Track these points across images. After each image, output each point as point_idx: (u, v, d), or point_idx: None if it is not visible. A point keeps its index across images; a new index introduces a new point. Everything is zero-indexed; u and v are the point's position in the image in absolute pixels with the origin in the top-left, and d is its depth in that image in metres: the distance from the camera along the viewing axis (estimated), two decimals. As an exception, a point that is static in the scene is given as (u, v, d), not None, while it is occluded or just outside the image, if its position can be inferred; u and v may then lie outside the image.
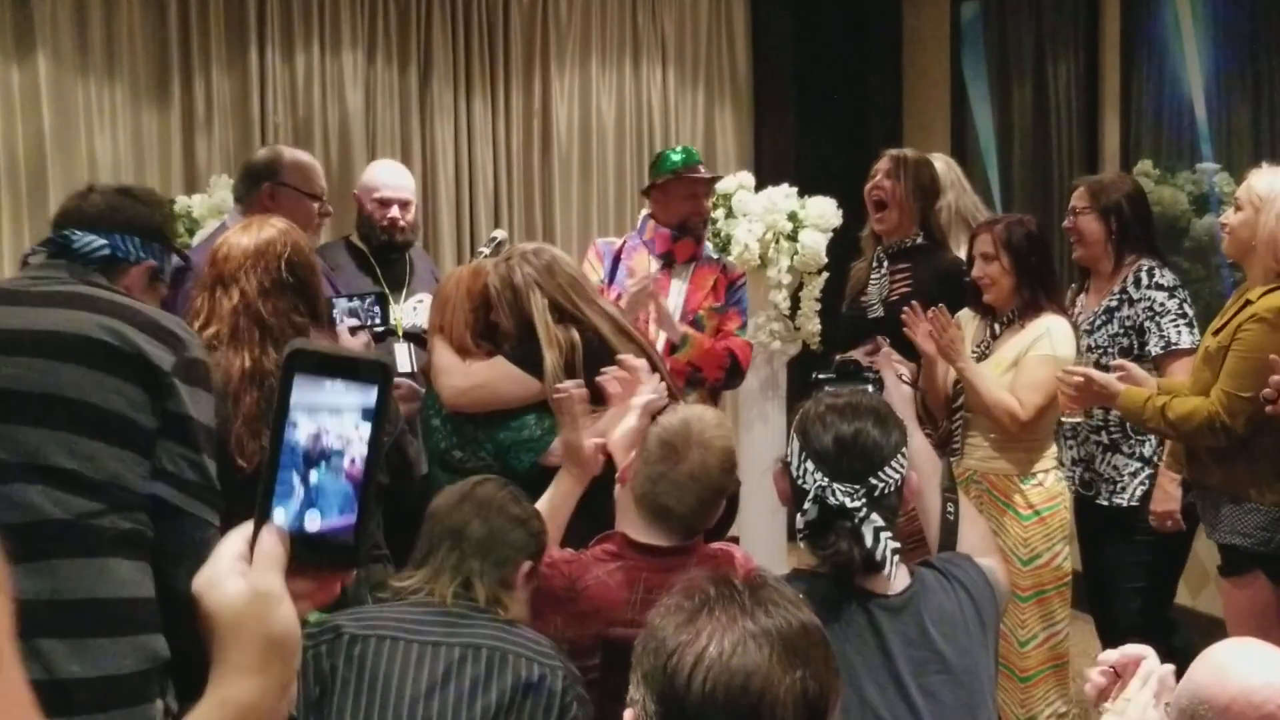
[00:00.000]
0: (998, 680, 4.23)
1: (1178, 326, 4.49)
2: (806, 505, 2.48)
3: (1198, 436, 4.00)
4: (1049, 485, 4.45)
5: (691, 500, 3.13)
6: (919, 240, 4.84)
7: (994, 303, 4.50)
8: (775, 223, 6.07)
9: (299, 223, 4.32)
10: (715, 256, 5.32)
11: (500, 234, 5.36)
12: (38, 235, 6.76)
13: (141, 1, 7.02)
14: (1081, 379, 4.13)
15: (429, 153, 7.54)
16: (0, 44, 6.77)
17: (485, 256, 4.89)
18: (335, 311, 4.22)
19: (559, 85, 7.79)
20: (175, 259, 2.96)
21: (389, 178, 5.03)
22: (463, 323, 4.07)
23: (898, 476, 2.53)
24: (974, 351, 4.53)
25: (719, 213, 5.98)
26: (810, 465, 2.51)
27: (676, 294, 5.14)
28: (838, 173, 5.68)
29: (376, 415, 1.30)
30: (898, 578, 2.52)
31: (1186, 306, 4.53)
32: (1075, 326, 4.53)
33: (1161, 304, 4.50)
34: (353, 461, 1.30)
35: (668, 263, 5.11)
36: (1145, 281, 4.54)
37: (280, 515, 1.28)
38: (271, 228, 3.42)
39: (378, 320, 4.20)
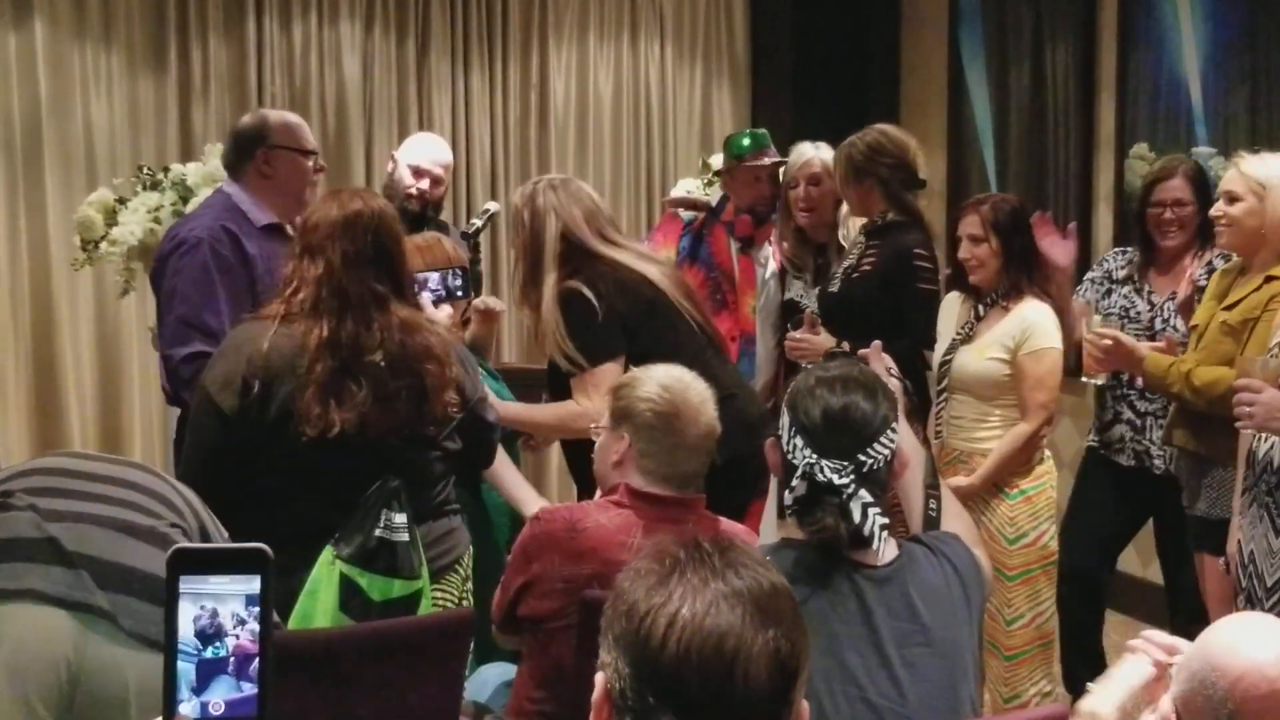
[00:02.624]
0: (982, 659, 4.29)
1: None
2: (795, 482, 2.50)
3: (1221, 404, 3.95)
4: (1036, 466, 4.47)
5: (703, 456, 3.25)
6: (889, 217, 4.80)
7: (980, 284, 4.51)
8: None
9: (297, 181, 4.33)
10: None
11: (494, 206, 5.38)
12: (33, 203, 6.83)
13: (139, -32, 7.02)
14: (1110, 342, 4.15)
15: (426, 124, 7.51)
16: (-3, 9, 6.76)
17: (478, 229, 4.90)
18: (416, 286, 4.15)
19: (556, 59, 7.78)
20: None
21: (431, 152, 5.05)
22: None
23: (887, 452, 2.54)
24: (958, 335, 4.55)
25: (713, 189, 6.00)
26: (799, 441, 2.52)
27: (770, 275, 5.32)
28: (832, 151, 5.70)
29: (263, 597, 1.43)
30: (886, 551, 2.53)
31: None
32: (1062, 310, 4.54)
33: None
34: (248, 643, 1.43)
35: (746, 246, 5.22)
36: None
37: (186, 708, 1.42)
38: (359, 199, 3.48)
39: (459, 291, 4.17)
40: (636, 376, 3.33)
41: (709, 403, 3.28)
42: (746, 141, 5.33)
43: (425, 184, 4.92)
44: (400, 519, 3.29)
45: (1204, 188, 4.67)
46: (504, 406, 4.07)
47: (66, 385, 6.96)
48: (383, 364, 3.32)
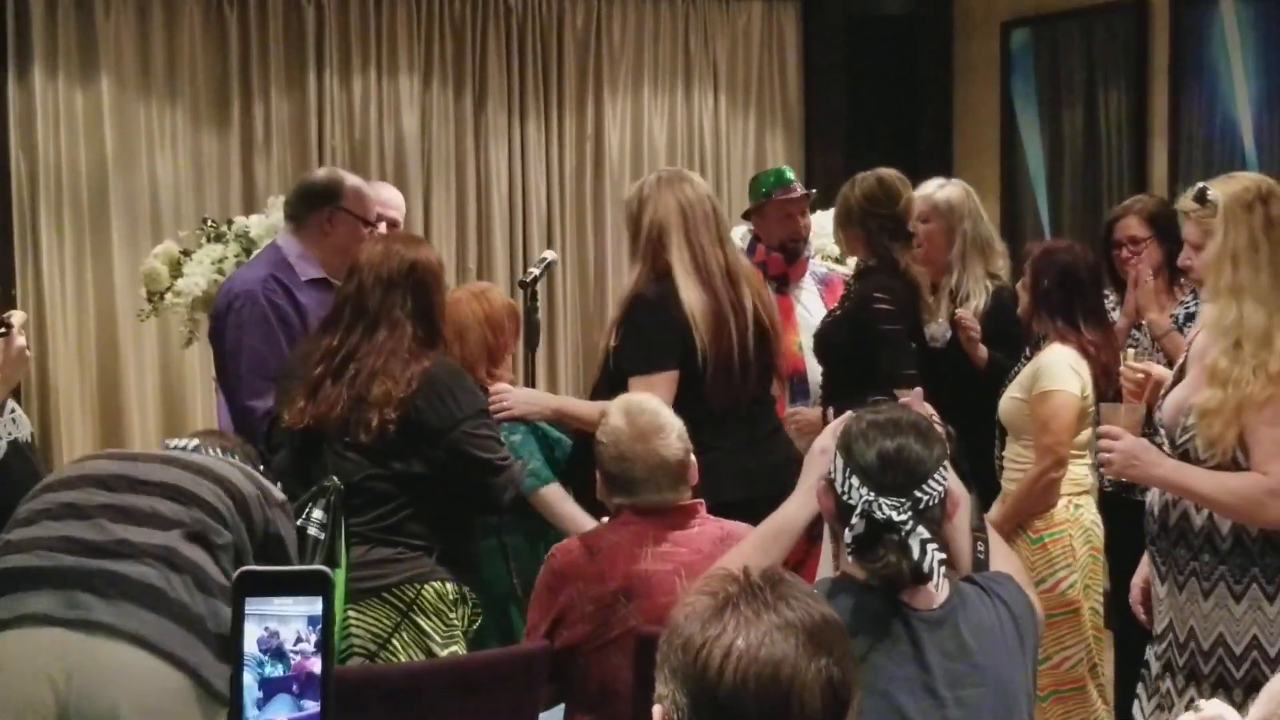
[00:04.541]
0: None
1: None
2: (854, 520, 2.51)
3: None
4: (1055, 512, 4.46)
5: (666, 479, 3.46)
6: (869, 263, 4.82)
7: (1021, 317, 4.62)
8: (824, 246, 6.11)
9: (352, 246, 4.41)
10: (827, 268, 5.59)
11: (551, 255, 5.43)
12: (99, 255, 6.96)
13: (203, 26, 7.15)
14: (1143, 375, 4.17)
15: (483, 175, 7.63)
16: (65, 67, 6.91)
17: (535, 278, 4.96)
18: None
19: (611, 110, 7.87)
20: None
21: (385, 194, 5.08)
22: (482, 353, 4.21)
23: (940, 489, 2.56)
24: (1015, 371, 4.61)
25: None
26: (855, 481, 2.54)
27: (812, 310, 5.33)
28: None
29: (325, 618, 1.49)
30: (941, 591, 2.56)
31: None
32: (1095, 358, 4.54)
33: None
34: (310, 663, 1.49)
35: (782, 284, 5.26)
36: None
37: None
38: (402, 241, 3.92)
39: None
40: (606, 410, 3.60)
41: (662, 434, 3.47)
42: (773, 178, 5.39)
43: (382, 228, 4.94)
44: (319, 515, 3.52)
45: (1162, 222, 4.76)
46: (576, 406, 4.39)
47: (131, 434, 7.06)
48: (355, 372, 3.65)
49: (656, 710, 1.68)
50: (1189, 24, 6.29)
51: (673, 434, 3.48)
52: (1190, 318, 4.72)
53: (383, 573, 3.65)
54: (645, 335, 4.22)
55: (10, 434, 3.06)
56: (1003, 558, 2.95)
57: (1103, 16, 6.85)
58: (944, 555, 2.52)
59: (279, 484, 3.69)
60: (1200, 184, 3.62)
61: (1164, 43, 6.44)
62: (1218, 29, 6.11)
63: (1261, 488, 3.29)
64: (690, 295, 4.21)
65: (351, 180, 4.65)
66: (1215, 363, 3.40)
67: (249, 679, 1.48)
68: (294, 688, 1.48)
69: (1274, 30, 5.85)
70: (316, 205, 4.50)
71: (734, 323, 4.26)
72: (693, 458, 3.54)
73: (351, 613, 3.61)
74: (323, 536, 3.50)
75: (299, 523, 3.48)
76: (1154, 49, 6.52)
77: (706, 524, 3.48)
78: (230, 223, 5.87)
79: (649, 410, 3.52)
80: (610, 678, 3.32)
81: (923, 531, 2.49)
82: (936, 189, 5.14)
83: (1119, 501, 4.71)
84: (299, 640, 1.48)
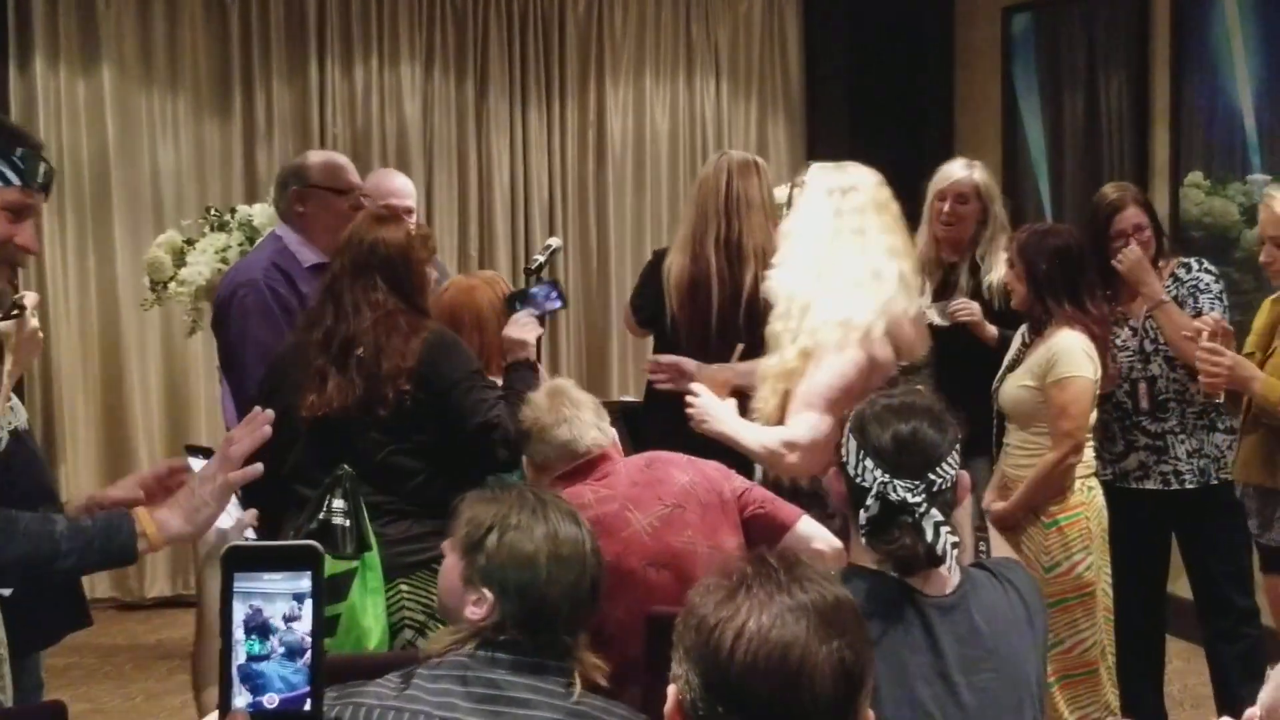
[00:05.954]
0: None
1: (1213, 304, 4.71)
2: (869, 501, 2.52)
3: None
4: (1071, 496, 4.47)
5: (570, 452, 3.55)
6: None
7: (1019, 309, 4.60)
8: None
9: (331, 220, 4.44)
10: None
11: (555, 242, 5.43)
12: (102, 244, 6.97)
13: (204, 15, 7.17)
14: (1229, 364, 4.17)
15: (485, 163, 7.64)
16: (66, 56, 6.92)
17: (540, 264, 4.97)
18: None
19: (613, 97, 7.87)
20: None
21: (399, 184, 5.09)
22: (500, 342, 4.24)
23: (953, 473, 2.58)
24: (1009, 363, 4.61)
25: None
26: (870, 463, 2.55)
27: None
28: (890, 184, 5.69)
29: (315, 594, 1.48)
30: (952, 575, 2.57)
31: (1224, 296, 4.81)
32: (1099, 337, 4.54)
33: (1207, 285, 4.79)
34: (300, 638, 1.47)
35: None
36: (1195, 268, 4.83)
37: (241, 701, 1.46)
38: (365, 222, 3.89)
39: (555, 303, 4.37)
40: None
41: (567, 398, 3.60)
42: None
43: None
44: (340, 504, 3.57)
45: (1151, 208, 4.90)
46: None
47: (135, 424, 7.08)
48: (361, 354, 3.69)
49: (671, 689, 1.69)
50: (1190, 9, 6.29)
51: (584, 408, 3.61)
52: (1174, 299, 4.73)
53: (430, 545, 3.67)
54: (633, 295, 4.84)
55: (11, 424, 3.08)
56: (1003, 554, 2.97)
57: (1104, 1, 6.85)
58: (957, 539, 2.53)
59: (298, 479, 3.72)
60: (815, 164, 3.95)
61: (1165, 27, 6.43)
62: (1219, 13, 6.11)
63: (781, 439, 3.61)
64: (672, 263, 4.54)
65: (317, 156, 4.70)
66: (770, 328, 3.76)
67: (238, 656, 1.47)
68: (283, 664, 1.47)
69: (1275, 15, 5.85)
70: (287, 189, 4.55)
71: (716, 291, 4.46)
72: (609, 425, 3.71)
73: (404, 586, 3.67)
74: (348, 523, 3.54)
75: (322, 515, 3.53)
76: (1155, 34, 6.51)
77: (629, 459, 3.65)
78: (234, 211, 5.88)
79: (557, 388, 3.69)
80: (601, 620, 3.33)
81: (936, 514, 2.50)
82: (974, 171, 5.17)
83: (1113, 490, 4.73)
84: (289, 617, 1.48)
